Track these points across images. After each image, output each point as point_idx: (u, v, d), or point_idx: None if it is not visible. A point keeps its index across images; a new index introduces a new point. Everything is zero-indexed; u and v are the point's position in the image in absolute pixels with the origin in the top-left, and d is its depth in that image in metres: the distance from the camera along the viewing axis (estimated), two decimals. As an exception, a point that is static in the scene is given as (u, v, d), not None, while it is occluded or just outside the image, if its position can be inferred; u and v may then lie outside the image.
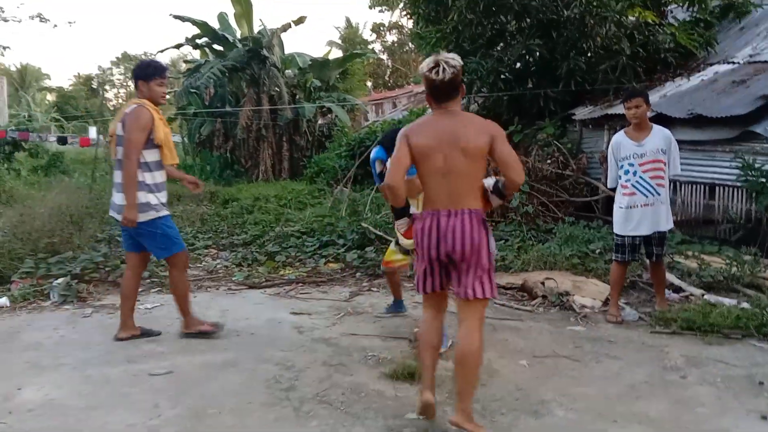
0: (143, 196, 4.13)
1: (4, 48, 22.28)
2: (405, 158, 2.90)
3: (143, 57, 42.45)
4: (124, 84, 42.18)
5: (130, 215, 4.07)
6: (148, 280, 6.02)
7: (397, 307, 4.94)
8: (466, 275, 2.92)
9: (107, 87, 45.48)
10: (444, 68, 2.83)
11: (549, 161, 8.88)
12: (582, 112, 9.61)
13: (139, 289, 5.71)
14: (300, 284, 5.94)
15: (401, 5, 33.71)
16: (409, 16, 11.65)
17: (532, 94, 9.79)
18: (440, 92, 2.89)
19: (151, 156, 4.17)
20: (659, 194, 4.72)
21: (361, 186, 10.11)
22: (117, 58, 42.09)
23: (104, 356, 4.03)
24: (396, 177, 2.86)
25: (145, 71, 4.26)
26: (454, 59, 2.89)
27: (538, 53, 9.60)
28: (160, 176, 4.24)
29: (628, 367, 3.86)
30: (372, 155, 4.24)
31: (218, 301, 5.38)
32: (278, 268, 6.52)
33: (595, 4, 9.22)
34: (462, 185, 2.89)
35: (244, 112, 16.78)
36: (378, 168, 4.18)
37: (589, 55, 9.69)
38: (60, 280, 5.61)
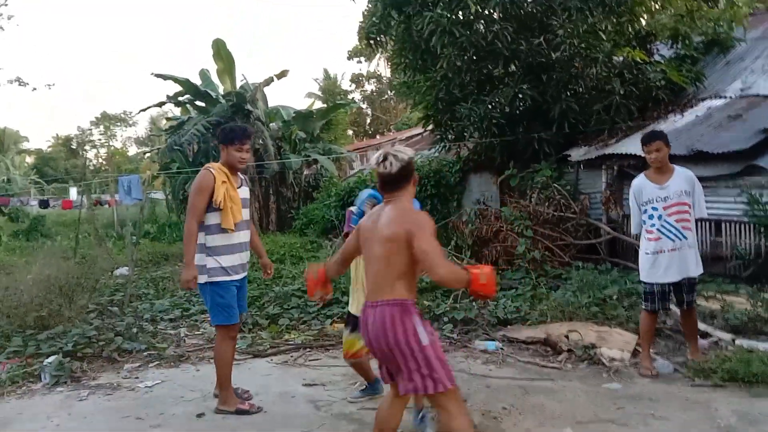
0: (200, 258, 4.07)
1: (-18, 113, 21.83)
2: (353, 239, 3.09)
3: (123, 116, 42.47)
4: (105, 143, 41.96)
5: (184, 275, 4.02)
6: (146, 353, 5.64)
7: (372, 389, 4.30)
8: (397, 371, 2.80)
9: (87, 147, 45.14)
10: (391, 162, 2.85)
11: (548, 204, 8.72)
12: (577, 153, 9.52)
13: (137, 365, 5.39)
14: (308, 349, 5.59)
15: (381, 56, 34.19)
16: (395, 66, 11.62)
17: (526, 137, 9.70)
18: (386, 183, 2.90)
19: (211, 219, 4.09)
20: (686, 238, 4.52)
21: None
22: (96, 118, 41.94)
23: (106, 449, 3.65)
24: (335, 255, 3.23)
25: (226, 136, 4.20)
26: (403, 153, 2.90)
27: (529, 96, 9.56)
28: (220, 239, 4.10)
29: (681, 430, 3.58)
30: (363, 194, 3.87)
31: (223, 374, 5.01)
32: (282, 332, 6.17)
33: (583, 46, 9.25)
34: (380, 275, 2.81)
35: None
36: (366, 209, 3.76)
37: (580, 95, 9.69)
38: (51, 359, 5.21)
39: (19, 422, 4.19)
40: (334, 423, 3.88)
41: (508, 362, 5.07)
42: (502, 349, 5.36)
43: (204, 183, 4.07)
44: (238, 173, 4.35)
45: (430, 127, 11.58)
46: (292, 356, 5.44)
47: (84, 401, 4.56)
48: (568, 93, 9.71)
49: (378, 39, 10.87)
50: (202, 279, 4.07)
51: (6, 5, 23.09)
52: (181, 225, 17.59)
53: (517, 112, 10.21)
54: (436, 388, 2.71)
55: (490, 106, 9.54)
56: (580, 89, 9.72)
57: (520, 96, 9.80)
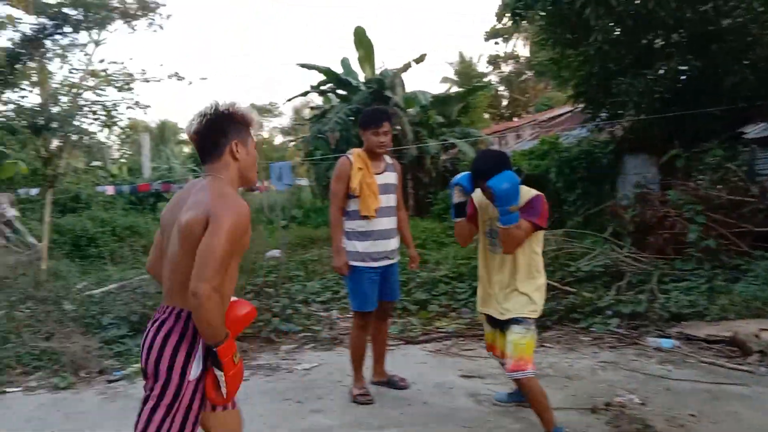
0: (348, 244, 4.07)
1: (146, 107, 23.77)
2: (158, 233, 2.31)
3: (269, 107, 44.66)
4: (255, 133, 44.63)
5: (335, 261, 4.09)
6: (301, 335, 5.74)
7: (520, 395, 3.67)
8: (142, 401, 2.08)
9: (258, 125, 47.55)
10: (193, 120, 2.15)
11: (722, 187, 7.81)
12: (754, 130, 8.46)
13: (293, 347, 5.48)
14: (460, 338, 5.39)
15: (520, 35, 33.04)
16: (541, 43, 11.01)
17: (693, 114, 8.77)
18: (199, 152, 2.20)
19: (352, 205, 4.07)
20: None
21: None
22: (245, 109, 44.54)
23: (268, 431, 3.68)
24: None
25: (363, 120, 4.14)
26: (211, 105, 2.15)
27: (696, 68, 8.61)
28: (359, 225, 4.05)
29: None
30: (454, 179, 3.42)
31: (378, 361, 4.95)
32: (432, 318, 6.01)
33: (761, 9, 8.16)
34: (174, 270, 2.10)
35: (370, 153, 16.73)
36: (455, 197, 3.40)
37: (757, 65, 8.58)
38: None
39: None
40: (498, 420, 3.64)
41: (688, 362, 4.55)
42: (678, 347, 4.83)
43: (341, 170, 4.06)
44: (385, 157, 4.20)
45: (581, 106, 10.88)
46: (444, 344, 5.27)
47: (246, 381, 4.65)
48: (741, 64, 8.64)
49: (524, 14, 10.33)
50: (350, 261, 4.07)
51: (164, 5, 24.86)
52: (325, 210, 18.17)
53: (681, 85, 9.27)
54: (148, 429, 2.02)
55: (651, 80, 8.73)
56: (757, 58, 8.60)
57: (686, 68, 8.87)
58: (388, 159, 4.24)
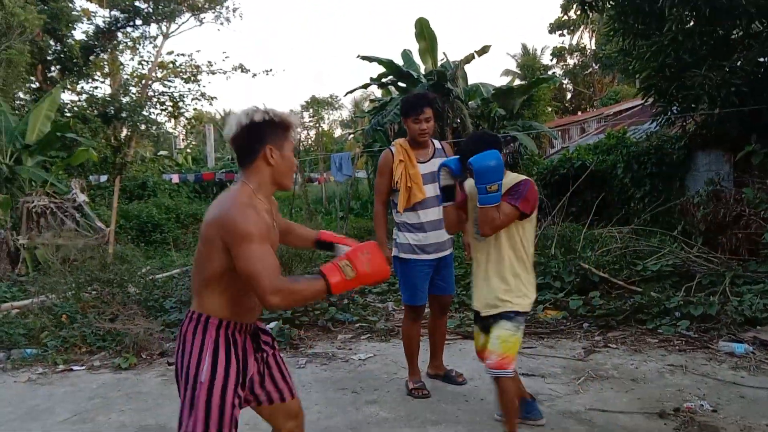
0: (400, 236, 4.02)
1: (212, 98, 24.35)
2: None
3: (330, 99, 45.02)
4: (314, 126, 45.04)
5: None
6: (357, 325, 5.73)
7: (525, 409, 3.46)
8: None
9: (298, 129, 48.42)
10: (230, 125, 2.13)
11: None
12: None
13: (349, 336, 5.46)
14: (520, 335, 5.24)
15: (586, 27, 32.11)
16: (611, 33, 10.61)
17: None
18: (236, 155, 2.17)
19: (397, 197, 3.99)
20: None
21: (571, 218, 9.16)
22: (306, 101, 45.03)
23: (325, 421, 3.66)
24: None
25: (402, 109, 4.03)
26: (249, 112, 2.10)
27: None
28: (408, 217, 3.97)
29: None
30: (443, 161, 3.19)
31: (434, 355, 4.88)
32: (491, 314, 5.88)
33: None
34: (194, 275, 2.16)
35: (429, 146, 16.62)
36: (442, 180, 3.14)
37: None
38: (272, 324, 5.48)
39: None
40: (559, 421, 3.51)
41: (763, 369, 4.28)
42: (752, 352, 4.56)
43: (383, 164, 4.00)
44: (434, 142, 4.06)
45: (651, 99, 10.44)
46: (503, 341, 5.13)
47: (302, 369, 4.70)
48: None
49: (593, 4, 9.98)
50: (394, 252, 4.02)
51: None
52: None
53: (759, 78, 8.74)
54: None
55: (727, 72, 8.27)
56: None
57: (765, 59, 8.35)
58: (437, 144, 4.09)
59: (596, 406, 3.69)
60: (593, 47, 34.63)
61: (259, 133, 2.09)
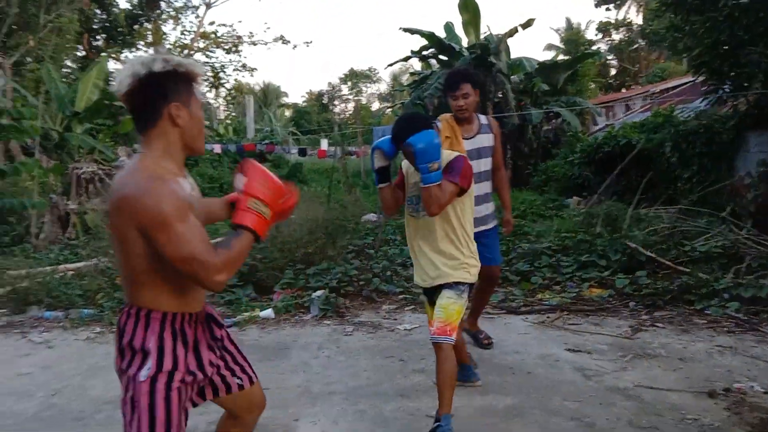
0: None
1: (252, 70, 24.50)
2: None
3: (368, 72, 44.85)
4: (353, 98, 45.04)
5: None
6: (401, 297, 5.80)
7: (462, 374, 3.52)
8: None
9: (336, 102, 48.87)
10: (121, 78, 1.73)
11: None
12: None
13: (393, 307, 5.55)
14: (565, 312, 5.26)
15: (634, 1, 31.16)
16: (662, 8, 10.30)
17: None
18: (131, 115, 1.80)
19: None
20: None
21: (615, 197, 9.03)
22: (345, 74, 44.97)
23: (374, 387, 3.76)
24: None
25: (443, 85, 4.05)
26: (150, 61, 1.72)
27: None
28: None
29: None
30: (374, 143, 3.18)
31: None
32: (534, 290, 5.90)
33: None
34: (120, 267, 1.82)
35: (469, 121, 16.48)
36: (376, 162, 3.12)
37: None
38: (319, 293, 5.60)
39: (295, 349, 4.54)
40: (607, 397, 3.53)
41: (815, 354, 4.22)
42: (805, 337, 4.48)
43: None
44: (478, 117, 4.05)
45: (701, 77, 10.14)
46: (548, 317, 5.15)
47: (349, 336, 4.81)
48: None
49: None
50: None
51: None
52: (420, 177, 18.23)
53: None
54: None
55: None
56: None
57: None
58: (482, 119, 4.07)
59: (644, 383, 3.70)
60: (640, 22, 33.64)
61: (161, 88, 1.73)
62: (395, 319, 5.21)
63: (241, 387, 2.05)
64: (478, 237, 3.99)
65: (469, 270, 3.13)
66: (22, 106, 8.92)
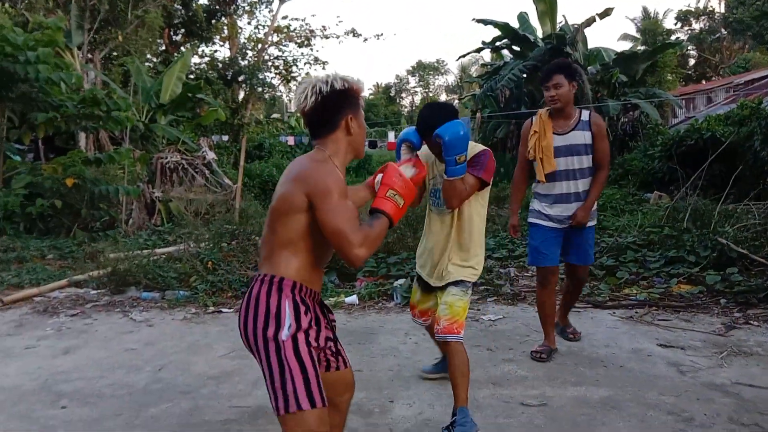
0: (533, 201, 4.11)
1: (324, 63, 24.83)
2: None
3: (436, 64, 44.67)
4: (420, 91, 45.02)
5: (510, 220, 4.25)
6: (482, 288, 5.82)
7: (445, 364, 3.48)
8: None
9: (402, 95, 48.94)
10: (306, 94, 2.03)
11: None
12: None
13: (475, 298, 5.58)
14: (653, 308, 5.15)
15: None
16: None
17: None
18: (308, 125, 2.11)
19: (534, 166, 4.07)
20: None
21: (698, 192, 8.73)
22: (412, 67, 44.94)
23: (465, 373, 3.80)
24: None
25: (539, 78, 4.03)
26: (330, 80, 2.03)
27: None
28: (540, 188, 4.04)
29: None
30: (401, 135, 2.97)
31: (564, 320, 4.91)
32: (620, 285, 5.79)
33: None
34: (267, 239, 2.07)
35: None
36: (403, 154, 2.88)
37: None
38: (401, 281, 5.69)
39: (383, 335, 4.64)
40: (704, 393, 3.46)
41: None
42: None
43: (522, 133, 4.11)
44: (580, 112, 3.92)
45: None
46: (636, 312, 5.06)
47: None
48: None
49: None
50: (529, 218, 4.11)
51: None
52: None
53: None
54: (287, 407, 1.92)
55: None
56: None
57: None
58: (584, 115, 3.93)
59: (743, 381, 3.60)
60: (722, 11, 32.11)
61: (339, 103, 2.04)
62: (478, 310, 5.24)
63: (337, 369, 2.23)
64: (569, 233, 4.00)
65: (475, 270, 3.12)
66: (114, 99, 9.41)
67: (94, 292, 6.09)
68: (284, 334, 1.92)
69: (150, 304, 5.67)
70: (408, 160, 2.45)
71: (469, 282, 3.10)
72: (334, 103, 2.03)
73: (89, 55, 15.99)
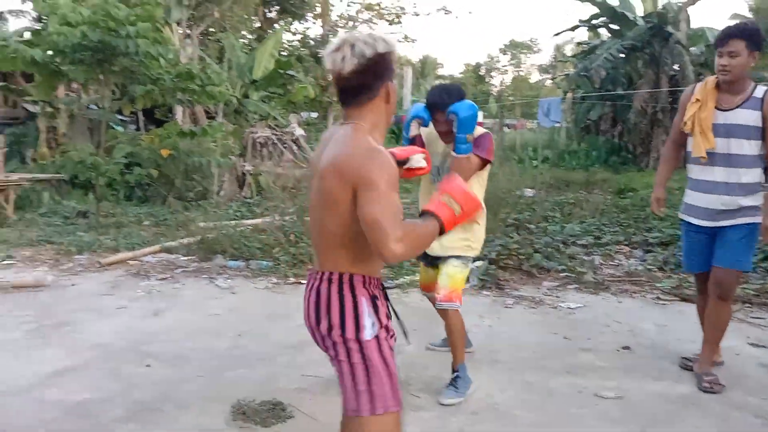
0: (686, 190, 3.52)
1: (413, 41, 24.68)
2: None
3: (529, 43, 43.47)
4: (512, 70, 43.99)
5: (653, 193, 3.81)
6: (563, 274, 5.68)
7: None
8: (338, 378, 1.89)
9: (492, 74, 48.05)
10: (344, 56, 1.74)
11: None
12: None
13: (555, 284, 5.46)
14: (746, 305, 4.86)
15: None
16: None
17: None
18: (342, 92, 1.82)
19: (688, 144, 3.45)
20: None
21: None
22: (505, 45, 43.91)
23: (540, 361, 3.74)
24: None
25: (714, 41, 3.44)
26: (371, 41, 1.74)
27: None
28: (692, 171, 3.43)
29: None
30: (411, 112, 3.18)
31: (650, 313, 4.71)
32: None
33: None
34: (320, 233, 1.84)
35: (640, 95, 15.46)
36: (413, 131, 3.23)
37: None
38: (478, 263, 5.64)
39: (458, 315, 4.63)
40: (798, 397, 3.24)
41: None
42: None
43: (681, 100, 3.49)
44: (756, 90, 3.24)
45: None
46: (727, 308, 4.79)
47: (510, 309, 4.82)
48: None
49: None
50: (679, 213, 3.58)
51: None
52: (580, 153, 17.46)
53: None
54: (373, 409, 1.79)
55: None
56: None
57: None
58: (758, 92, 3.23)
59: None
60: None
61: (383, 67, 1.80)
62: (557, 297, 5.12)
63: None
64: (718, 233, 3.36)
65: (472, 246, 3.27)
66: (209, 74, 9.78)
67: (184, 258, 6.41)
68: (367, 333, 1.80)
69: (235, 272, 5.91)
70: (421, 150, 2.32)
71: (468, 256, 3.29)
72: (379, 68, 1.79)
73: (188, 31, 16.64)
